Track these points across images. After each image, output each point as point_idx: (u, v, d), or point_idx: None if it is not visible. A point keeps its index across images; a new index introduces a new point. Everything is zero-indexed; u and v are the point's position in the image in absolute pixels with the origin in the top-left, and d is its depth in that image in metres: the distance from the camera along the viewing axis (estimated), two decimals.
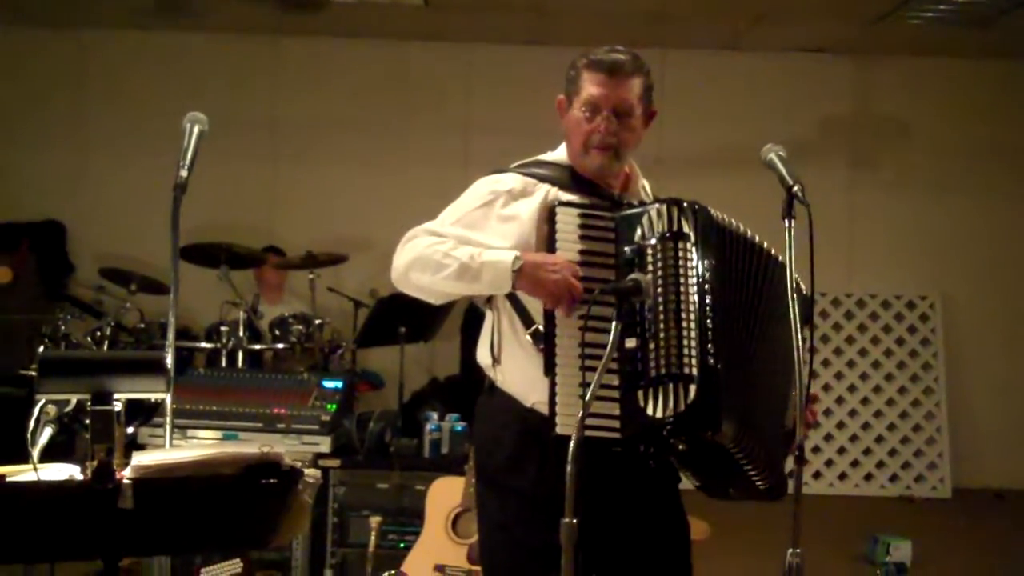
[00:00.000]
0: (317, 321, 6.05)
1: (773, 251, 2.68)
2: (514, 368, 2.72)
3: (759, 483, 2.61)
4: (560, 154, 2.82)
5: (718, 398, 2.45)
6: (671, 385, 2.43)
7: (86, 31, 7.80)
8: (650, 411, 2.43)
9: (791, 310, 2.46)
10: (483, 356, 2.82)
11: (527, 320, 2.66)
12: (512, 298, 2.69)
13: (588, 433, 2.32)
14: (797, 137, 7.32)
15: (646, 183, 2.89)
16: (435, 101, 7.94)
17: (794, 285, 2.51)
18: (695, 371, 2.44)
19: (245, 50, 7.90)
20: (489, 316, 2.81)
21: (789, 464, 2.53)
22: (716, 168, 7.14)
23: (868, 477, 7.75)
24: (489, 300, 2.79)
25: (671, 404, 2.42)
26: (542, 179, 2.72)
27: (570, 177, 2.74)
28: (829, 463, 7.74)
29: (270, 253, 6.90)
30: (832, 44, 7.80)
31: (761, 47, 7.83)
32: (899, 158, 8.08)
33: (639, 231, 2.55)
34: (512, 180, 2.72)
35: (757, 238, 2.70)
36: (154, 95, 7.58)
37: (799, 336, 2.42)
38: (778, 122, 7.45)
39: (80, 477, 2.21)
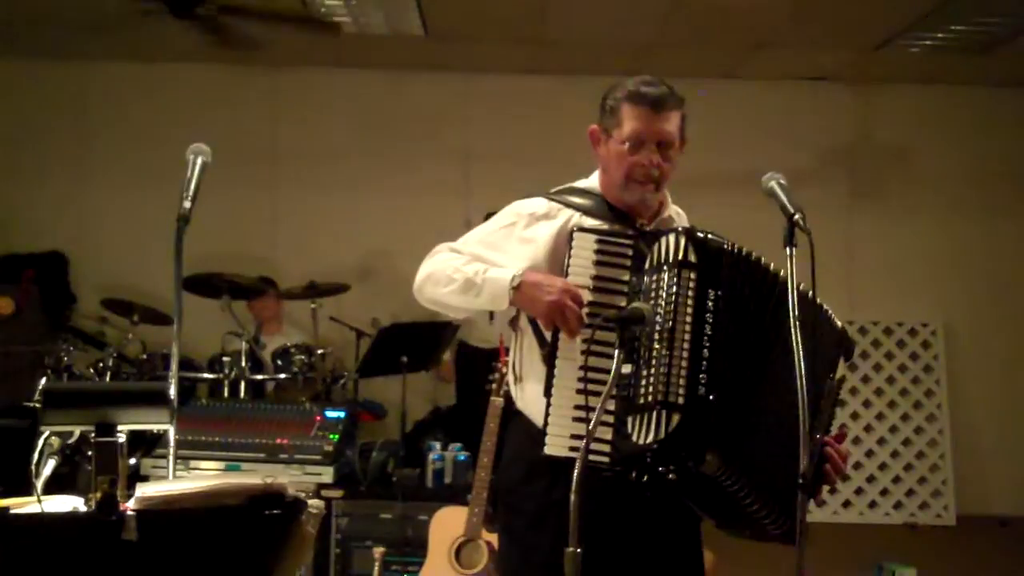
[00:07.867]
0: (319, 351, 6.06)
1: (791, 279, 2.50)
2: (531, 389, 2.75)
3: (770, 527, 2.56)
4: (592, 181, 2.86)
5: (702, 428, 2.43)
6: (655, 412, 2.42)
7: (86, 63, 7.84)
8: (635, 437, 2.43)
9: (795, 341, 2.39)
10: (509, 376, 2.89)
11: (543, 342, 2.69)
12: (532, 320, 2.73)
13: (578, 457, 2.29)
14: (797, 165, 7.33)
15: (680, 210, 2.93)
16: (435, 130, 7.96)
17: (824, 317, 2.59)
18: (681, 400, 2.42)
19: (245, 80, 7.95)
20: (514, 338, 2.86)
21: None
22: (716, 196, 7.09)
23: (872, 505, 7.73)
24: (513, 321, 2.84)
25: (653, 431, 2.41)
26: (569, 206, 2.78)
27: (599, 205, 2.78)
28: (833, 491, 7.70)
29: (266, 284, 6.76)
30: (832, 72, 7.83)
31: (760, 75, 7.86)
32: (899, 185, 8.10)
33: (650, 259, 2.56)
34: (539, 204, 2.79)
35: (775, 268, 2.60)
36: (155, 126, 7.63)
37: (801, 366, 2.37)
38: (778, 150, 7.48)
39: (84, 509, 2.21)
